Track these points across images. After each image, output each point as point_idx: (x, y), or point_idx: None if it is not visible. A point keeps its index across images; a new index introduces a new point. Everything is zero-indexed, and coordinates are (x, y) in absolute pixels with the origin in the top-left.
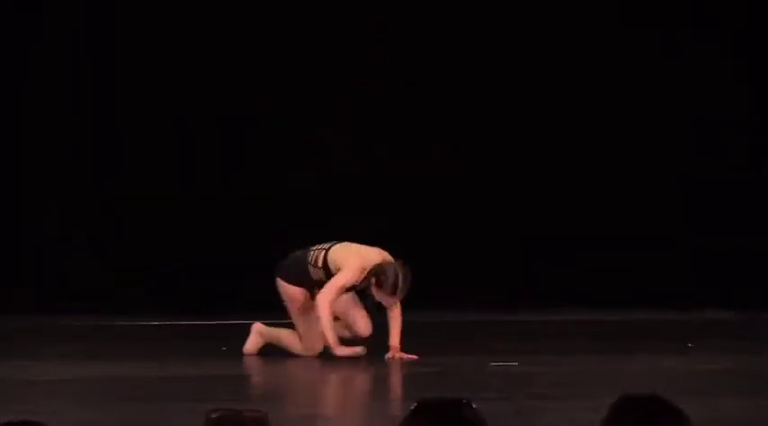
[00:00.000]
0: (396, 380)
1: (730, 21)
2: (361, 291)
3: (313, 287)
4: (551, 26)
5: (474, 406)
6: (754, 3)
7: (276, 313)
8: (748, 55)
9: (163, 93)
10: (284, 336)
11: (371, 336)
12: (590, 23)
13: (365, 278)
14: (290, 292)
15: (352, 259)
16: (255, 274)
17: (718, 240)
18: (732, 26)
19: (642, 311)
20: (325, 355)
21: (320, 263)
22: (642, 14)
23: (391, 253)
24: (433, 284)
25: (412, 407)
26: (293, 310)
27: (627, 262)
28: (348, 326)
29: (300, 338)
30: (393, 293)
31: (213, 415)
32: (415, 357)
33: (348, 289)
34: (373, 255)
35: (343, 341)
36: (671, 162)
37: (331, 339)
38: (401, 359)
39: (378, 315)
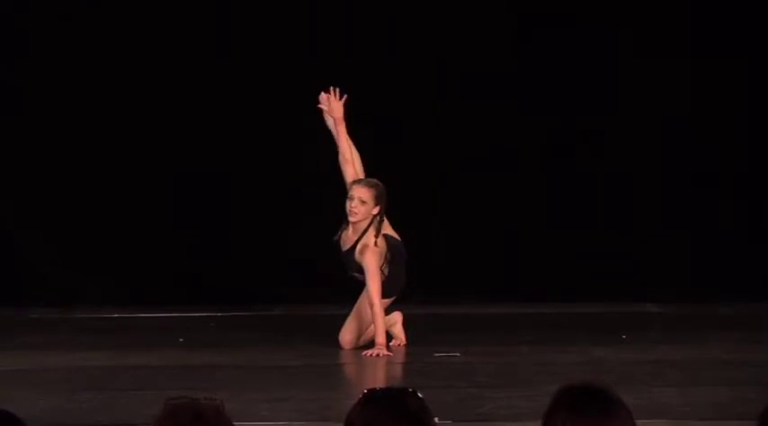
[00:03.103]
0: (343, 371)
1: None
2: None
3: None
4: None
5: (419, 395)
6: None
7: (235, 306)
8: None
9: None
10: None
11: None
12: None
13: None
14: None
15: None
16: (215, 267)
17: (654, 236)
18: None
19: (580, 304)
20: (284, 344)
21: None
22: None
23: None
24: None
25: (359, 397)
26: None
27: (566, 256)
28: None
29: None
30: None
31: (171, 403)
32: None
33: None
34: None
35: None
36: (612, 159)
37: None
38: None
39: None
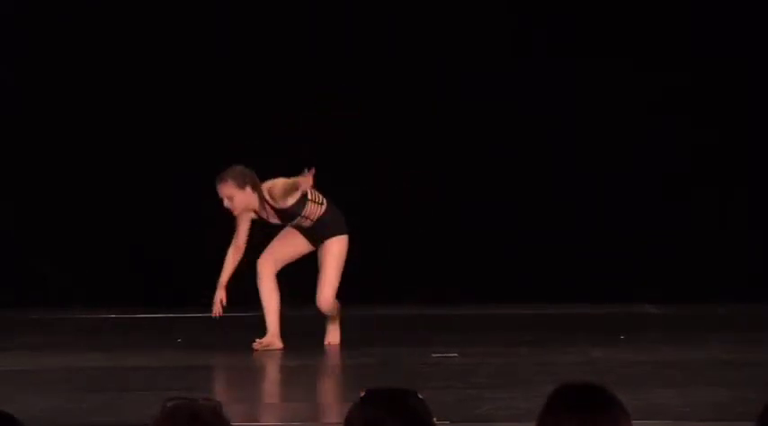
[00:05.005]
0: (341, 371)
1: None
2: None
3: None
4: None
5: (419, 396)
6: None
7: (234, 306)
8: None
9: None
10: None
11: None
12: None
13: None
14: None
15: None
16: (214, 268)
17: (654, 236)
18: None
19: (579, 304)
20: (283, 344)
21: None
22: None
23: None
24: (376, 279)
25: (359, 396)
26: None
27: (566, 257)
28: None
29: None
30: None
31: (169, 404)
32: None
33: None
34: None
35: None
36: (612, 161)
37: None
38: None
39: None
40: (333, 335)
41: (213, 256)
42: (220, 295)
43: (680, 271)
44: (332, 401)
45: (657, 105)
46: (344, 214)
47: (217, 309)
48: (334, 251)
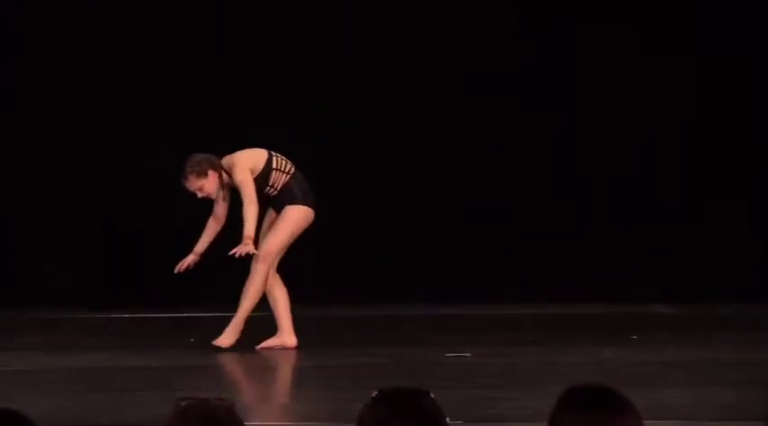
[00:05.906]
0: (351, 371)
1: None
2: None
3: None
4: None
5: (431, 395)
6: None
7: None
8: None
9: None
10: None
11: None
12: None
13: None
14: None
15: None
16: (215, 268)
17: (654, 236)
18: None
19: (589, 305)
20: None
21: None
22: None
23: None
24: (387, 279)
25: (372, 396)
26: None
27: (566, 257)
28: None
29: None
30: None
31: (182, 404)
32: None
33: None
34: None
35: None
36: (619, 160)
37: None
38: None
39: None
40: (287, 337)
41: (214, 256)
42: (190, 258)
43: (680, 271)
44: (340, 401)
45: (658, 105)
46: (313, 190)
47: (180, 267)
48: (288, 217)
